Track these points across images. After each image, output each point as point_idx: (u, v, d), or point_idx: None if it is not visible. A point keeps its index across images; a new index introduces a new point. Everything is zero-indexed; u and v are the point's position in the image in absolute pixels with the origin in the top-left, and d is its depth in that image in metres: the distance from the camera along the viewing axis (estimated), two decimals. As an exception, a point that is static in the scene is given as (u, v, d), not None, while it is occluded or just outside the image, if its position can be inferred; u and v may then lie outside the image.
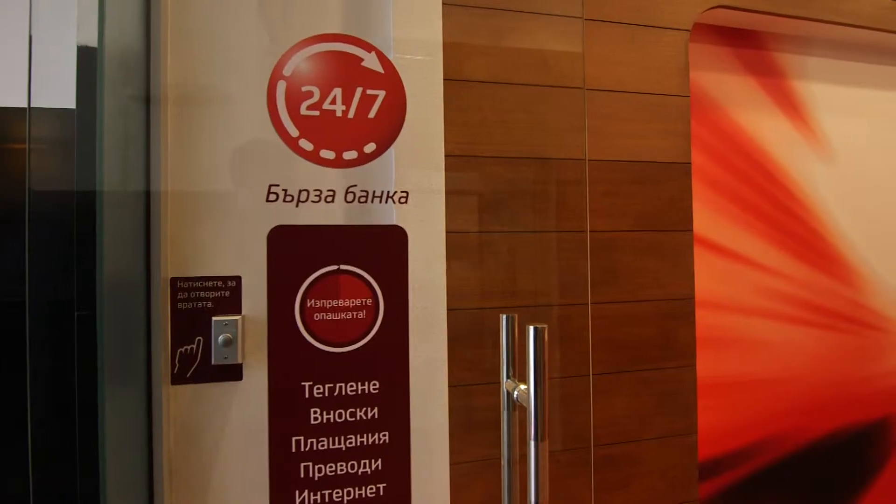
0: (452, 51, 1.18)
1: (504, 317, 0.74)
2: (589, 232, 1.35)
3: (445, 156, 1.01)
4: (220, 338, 0.82)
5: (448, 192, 1.17)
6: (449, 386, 0.94)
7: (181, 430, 0.82)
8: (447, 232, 1.00)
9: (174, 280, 0.84)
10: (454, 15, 1.15)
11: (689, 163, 1.43)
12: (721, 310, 1.59)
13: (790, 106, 1.68)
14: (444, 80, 1.03)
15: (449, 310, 0.96)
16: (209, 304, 0.84)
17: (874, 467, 1.76)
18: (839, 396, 1.72)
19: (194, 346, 0.89)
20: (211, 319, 0.84)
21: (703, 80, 1.59)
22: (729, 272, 1.59)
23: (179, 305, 0.85)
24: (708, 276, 1.57)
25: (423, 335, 0.76)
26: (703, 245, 1.57)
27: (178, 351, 0.86)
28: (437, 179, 0.77)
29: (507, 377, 0.76)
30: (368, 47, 0.69)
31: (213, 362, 0.84)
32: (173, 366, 0.85)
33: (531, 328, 0.59)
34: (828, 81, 1.73)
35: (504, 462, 0.80)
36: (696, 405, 1.41)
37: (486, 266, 1.22)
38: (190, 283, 0.84)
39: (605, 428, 1.35)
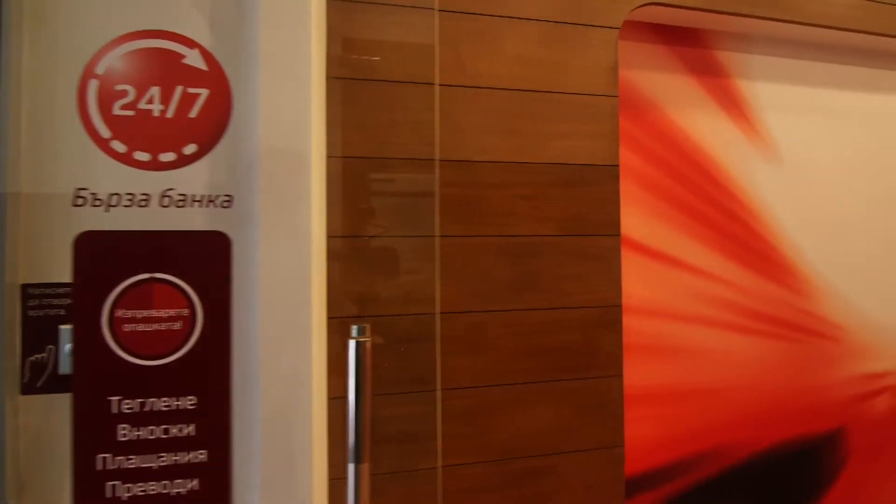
0: (348, 47, 1.14)
1: (355, 328, 0.69)
2: (509, 236, 1.30)
3: (330, 157, 0.97)
4: (66, 347, 0.78)
5: (340, 195, 1.13)
6: (328, 398, 0.90)
7: (32, 441, 0.78)
8: (330, 237, 0.95)
9: (25, 287, 0.80)
10: (345, 10, 1.12)
11: (617, 165, 1.38)
12: (658, 317, 1.53)
13: (733, 105, 1.63)
14: (333, 78, 0.99)
15: (330, 318, 0.92)
16: (61, 312, 0.80)
17: (824, 481, 1.70)
18: (787, 407, 1.67)
19: (46, 356, 0.85)
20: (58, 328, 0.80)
21: (639, 79, 1.54)
22: (667, 278, 1.54)
23: (30, 313, 0.82)
24: (644, 282, 1.52)
25: (279, 345, 0.72)
26: (639, 250, 1.52)
27: (29, 360, 0.82)
28: (301, 182, 0.73)
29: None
30: (191, 44, 0.65)
31: (59, 372, 0.80)
32: (23, 375, 0.81)
33: (352, 342, 0.55)
34: (772, 80, 1.68)
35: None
36: (623, 416, 1.36)
37: (375, 271, 1.18)
38: (42, 290, 0.80)
39: (525, 440, 1.30)
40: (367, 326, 0.71)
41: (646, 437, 1.49)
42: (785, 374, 1.67)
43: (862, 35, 1.70)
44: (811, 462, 1.69)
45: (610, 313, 1.36)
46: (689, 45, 1.60)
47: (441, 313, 1.22)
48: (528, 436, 1.30)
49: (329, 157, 0.98)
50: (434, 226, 1.25)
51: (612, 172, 1.37)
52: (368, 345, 0.56)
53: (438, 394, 1.22)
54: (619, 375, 1.36)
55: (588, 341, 1.34)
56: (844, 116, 1.74)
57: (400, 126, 1.22)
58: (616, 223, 1.37)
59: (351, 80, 1.19)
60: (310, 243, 0.76)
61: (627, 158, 1.51)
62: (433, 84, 1.25)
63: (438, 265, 1.24)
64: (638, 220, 1.52)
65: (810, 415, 1.69)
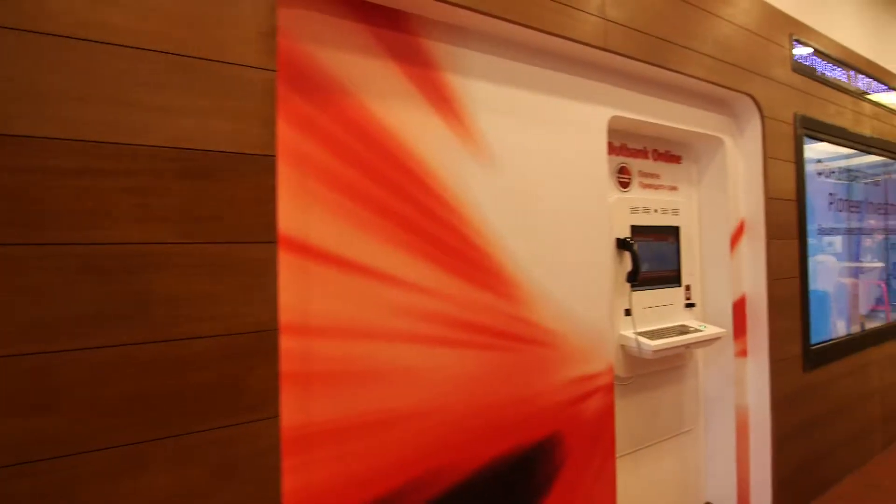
0: None
1: None
2: (100, 245, 0.94)
3: None
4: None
5: None
6: None
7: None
8: None
9: None
10: None
11: (273, 155, 1.11)
12: (350, 337, 1.32)
13: (443, 101, 1.51)
14: None
15: None
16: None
17: (541, 489, 1.68)
18: (503, 420, 1.60)
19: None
20: None
21: (329, 58, 1.31)
22: (360, 291, 1.34)
23: None
24: (331, 298, 1.29)
25: None
26: (324, 260, 1.28)
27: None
28: None
29: None
30: None
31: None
32: None
33: None
34: (489, 80, 1.60)
35: None
36: (280, 467, 1.10)
37: None
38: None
39: (130, 522, 0.95)
40: None
41: (330, 481, 1.26)
42: (500, 385, 1.60)
43: (576, 45, 1.73)
44: (528, 472, 1.65)
45: (261, 340, 1.09)
46: (393, 28, 1.43)
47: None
48: (132, 515, 0.95)
49: None
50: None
51: (264, 163, 1.10)
52: None
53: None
54: (275, 417, 1.09)
55: (227, 379, 1.05)
56: (554, 122, 1.76)
57: None
58: (271, 227, 1.11)
59: None
60: None
61: (309, 150, 1.27)
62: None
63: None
64: (323, 224, 1.28)
65: (526, 424, 1.65)
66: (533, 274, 1.68)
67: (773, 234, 2.40)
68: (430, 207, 1.46)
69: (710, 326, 2.24)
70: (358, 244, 1.34)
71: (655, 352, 1.95)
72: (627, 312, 2.09)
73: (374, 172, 1.37)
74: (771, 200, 2.39)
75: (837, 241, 2.98)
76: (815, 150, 2.79)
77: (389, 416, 1.37)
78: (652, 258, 2.21)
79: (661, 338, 2.02)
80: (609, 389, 1.87)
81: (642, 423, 2.21)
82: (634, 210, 2.14)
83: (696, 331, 2.16)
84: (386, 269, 1.38)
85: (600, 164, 1.88)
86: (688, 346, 2.09)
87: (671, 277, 2.28)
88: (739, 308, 2.42)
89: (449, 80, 1.52)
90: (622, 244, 2.05)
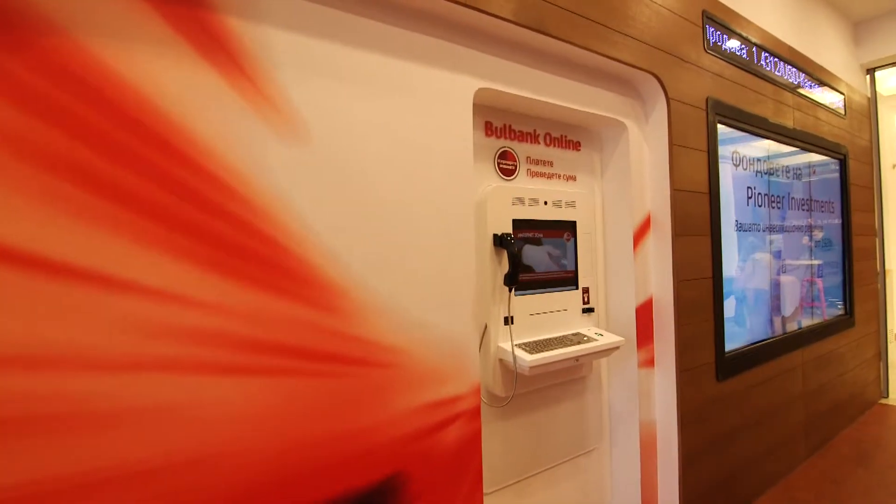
0: None
1: None
2: None
3: None
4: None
5: None
6: None
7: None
8: None
9: None
10: None
11: None
12: (71, 370, 0.96)
13: (226, 56, 1.16)
14: None
15: None
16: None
17: (378, 543, 1.36)
18: (322, 462, 1.27)
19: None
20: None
21: (19, -19, 0.94)
22: (93, 308, 0.98)
23: None
24: (53, 320, 0.93)
25: None
26: (24, 266, 0.92)
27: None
28: None
29: None
30: None
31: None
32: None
33: None
34: (299, 30, 1.27)
35: None
36: None
37: None
38: None
39: None
40: None
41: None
42: (318, 419, 1.27)
43: None
44: (361, 524, 1.33)
45: None
46: (145, -47, 1.07)
47: None
48: None
49: None
50: None
51: None
52: None
53: None
54: None
55: None
56: (398, 91, 1.44)
57: None
58: None
59: None
60: None
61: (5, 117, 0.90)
62: None
63: None
64: (21, 214, 0.92)
65: (356, 465, 1.33)
66: (367, 279, 1.35)
67: (681, 229, 2.16)
68: (200, 193, 1.11)
69: (608, 334, 1.98)
70: (82, 242, 0.97)
71: (533, 367, 1.67)
72: (510, 321, 1.80)
73: (104, 142, 1.01)
74: (678, 193, 2.15)
75: (767, 238, 2.80)
76: (740, 142, 2.59)
77: (136, 469, 1.02)
78: (542, 257, 1.93)
79: (544, 350, 1.74)
80: (474, 415, 1.57)
81: (532, 446, 1.92)
82: (518, 201, 1.84)
83: (592, 340, 1.89)
84: (133, 276, 1.02)
85: (463, 145, 1.57)
86: (578, 358, 1.81)
87: (566, 279, 2.00)
88: (645, 313, 2.17)
89: (233, 27, 1.17)
90: (500, 241, 1.75)
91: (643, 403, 2.15)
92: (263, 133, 1.20)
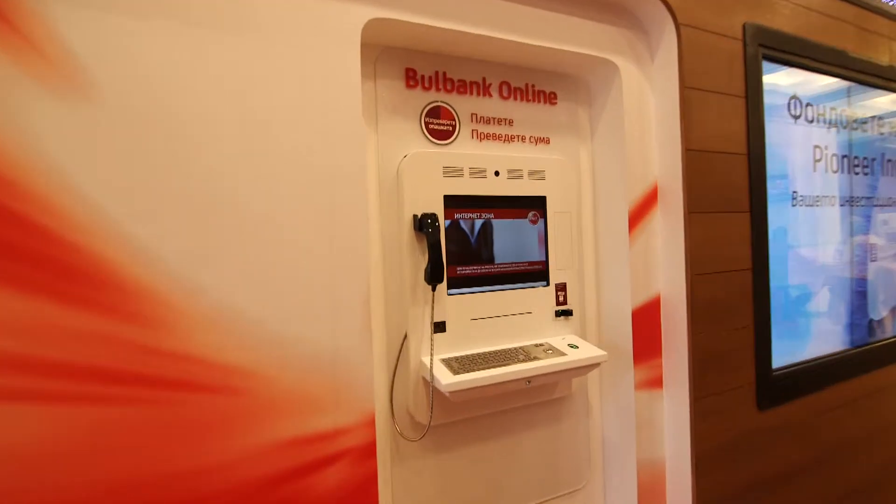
0: None
1: None
2: None
3: None
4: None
5: None
6: None
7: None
8: None
9: None
10: None
11: None
12: None
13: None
14: None
15: None
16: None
17: None
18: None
19: None
20: None
21: None
22: None
23: None
24: None
25: None
26: None
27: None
28: None
29: None
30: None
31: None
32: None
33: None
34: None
35: None
36: None
37: None
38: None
39: None
40: None
41: None
42: (128, 458, 0.97)
43: None
44: None
45: None
46: None
47: None
48: None
49: None
50: None
51: None
52: None
53: None
54: None
55: None
56: (234, 24, 1.07)
57: None
58: None
59: None
60: None
61: None
62: None
63: None
64: None
65: (180, 522, 1.01)
66: (197, 280, 1.01)
67: (700, 204, 1.59)
68: None
69: (586, 346, 1.49)
70: None
71: (453, 393, 1.24)
72: (440, 328, 1.38)
73: None
74: (694, 154, 1.58)
75: (848, 214, 2.09)
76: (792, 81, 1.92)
77: None
78: (493, 245, 1.48)
79: (480, 368, 1.30)
80: (366, 453, 1.18)
81: (486, 486, 1.50)
82: (453, 172, 1.41)
83: (557, 354, 1.42)
84: None
85: (348, 98, 1.17)
86: (529, 380, 1.35)
87: (530, 273, 1.53)
88: (648, 317, 1.64)
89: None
90: (420, 225, 1.34)
91: (645, 436, 1.63)
92: (25, 88, 0.89)
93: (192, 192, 1.02)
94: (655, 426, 1.65)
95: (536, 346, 1.47)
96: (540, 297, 1.54)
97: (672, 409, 1.64)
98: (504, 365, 1.32)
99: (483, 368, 1.30)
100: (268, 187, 1.09)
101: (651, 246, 1.64)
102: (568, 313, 1.58)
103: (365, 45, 1.26)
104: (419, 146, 1.41)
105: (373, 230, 1.36)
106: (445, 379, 1.24)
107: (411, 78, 1.41)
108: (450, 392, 1.23)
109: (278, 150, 1.10)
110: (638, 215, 1.61)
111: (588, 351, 1.45)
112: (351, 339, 1.17)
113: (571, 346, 1.48)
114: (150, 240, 0.98)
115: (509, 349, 1.43)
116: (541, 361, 1.36)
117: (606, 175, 1.66)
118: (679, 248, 1.58)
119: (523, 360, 1.36)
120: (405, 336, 1.36)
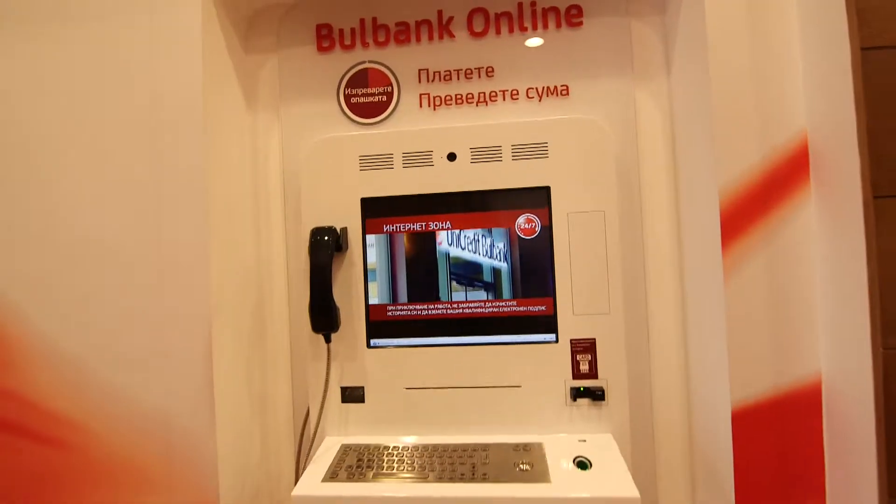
0: None
1: None
2: None
3: None
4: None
5: None
6: None
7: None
8: None
9: None
10: None
11: None
12: None
13: None
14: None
15: None
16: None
17: None
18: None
19: None
20: None
21: None
22: None
23: None
24: None
25: None
26: None
27: None
28: None
29: None
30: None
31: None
32: None
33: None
34: None
35: None
36: None
37: None
38: None
39: None
40: None
41: None
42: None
43: None
44: None
45: None
46: None
47: None
48: None
49: None
50: None
51: None
52: None
53: None
54: None
55: None
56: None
57: None
58: None
59: None
60: None
61: None
62: None
63: None
64: None
65: None
66: (26, 307, 0.87)
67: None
68: None
69: (610, 465, 0.78)
70: None
71: (309, 513, 0.77)
72: (348, 396, 0.93)
73: None
74: (880, 62, 0.68)
75: None
76: None
77: None
78: (451, 270, 0.92)
79: (379, 476, 0.79)
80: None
81: None
82: (377, 162, 0.93)
83: (536, 477, 0.77)
84: None
85: (185, 76, 0.85)
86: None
87: (523, 319, 0.91)
88: (785, 421, 0.78)
89: None
90: (316, 243, 0.91)
91: None
92: None
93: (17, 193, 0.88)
94: None
95: (516, 447, 0.85)
96: (540, 361, 0.90)
97: None
98: (421, 480, 0.77)
99: (378, 478, 0.78)
100: (91, 202, 0.87)
101: (789, 272, 0.78)
102: (596, 395, 0.88)
103: (263, 9, 0.94)
104: (338, 129, 0.99)
105: (275, 253, 1.01)
106: (303, 485, 0.78)
107: (325, 37, 1.00)
108: (303, 510, 0.77)
109: (104, 160, 0.87)
110: (759, 206, 0.79)
111: (599, 480, 0.75)
112: (186, 400, 0.84)
113: (581, 462, 0.80)
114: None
115: (464, 445, 0.86)
116: (488, 487, 0.75)
117: (697, 135, 0.88)
118: (858, 274, 0.70)
119: (462, 479, 0.77)
120: (308, 410, 0.95)
